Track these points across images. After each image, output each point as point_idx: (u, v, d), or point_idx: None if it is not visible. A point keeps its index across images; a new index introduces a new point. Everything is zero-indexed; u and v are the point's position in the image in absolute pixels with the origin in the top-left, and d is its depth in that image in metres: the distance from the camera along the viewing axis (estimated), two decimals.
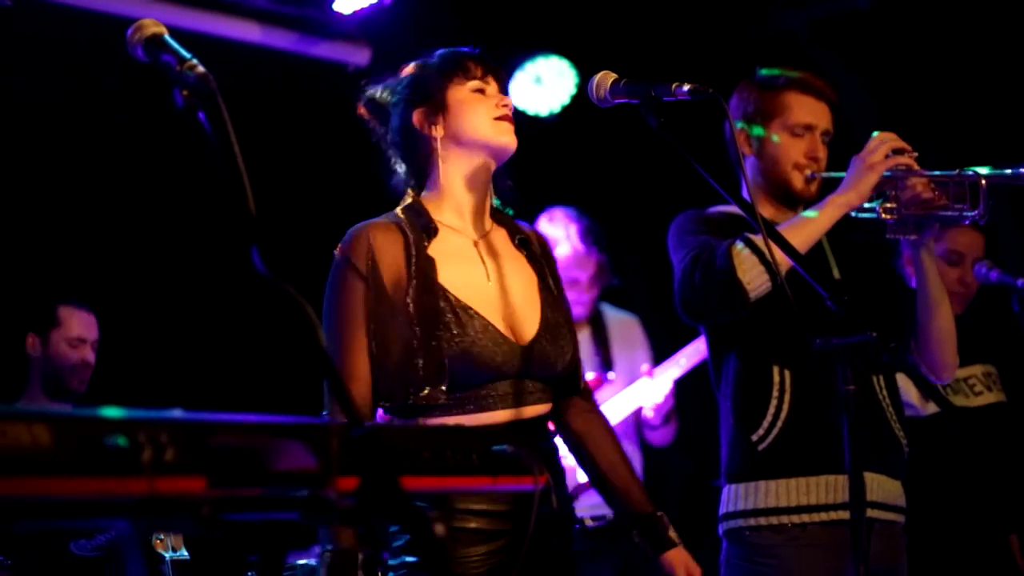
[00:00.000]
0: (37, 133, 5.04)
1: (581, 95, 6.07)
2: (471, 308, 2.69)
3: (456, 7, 5.59)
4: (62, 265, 5.04)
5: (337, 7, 5.50)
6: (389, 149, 2.93)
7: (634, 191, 6.19)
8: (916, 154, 3.21)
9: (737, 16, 6.00)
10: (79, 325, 4.63)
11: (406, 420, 2.67)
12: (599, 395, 4.94)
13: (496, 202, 2.93)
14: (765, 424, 3.26)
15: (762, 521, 3.26)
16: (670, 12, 5.94)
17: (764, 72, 3.55)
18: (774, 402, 3.26)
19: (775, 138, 3.46)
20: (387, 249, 2.71)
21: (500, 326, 2.71)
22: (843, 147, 3.46)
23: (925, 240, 3.28)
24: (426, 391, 2.62)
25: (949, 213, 3.19)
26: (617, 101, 2.69)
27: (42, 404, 4.52)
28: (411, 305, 2.66)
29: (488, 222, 2.87)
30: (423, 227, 2.76)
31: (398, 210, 2.82)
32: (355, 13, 5.53)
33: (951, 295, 4.24)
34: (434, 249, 2.75)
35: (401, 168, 2.91)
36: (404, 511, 1.59)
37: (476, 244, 2.82)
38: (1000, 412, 4.53)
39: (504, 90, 2.86)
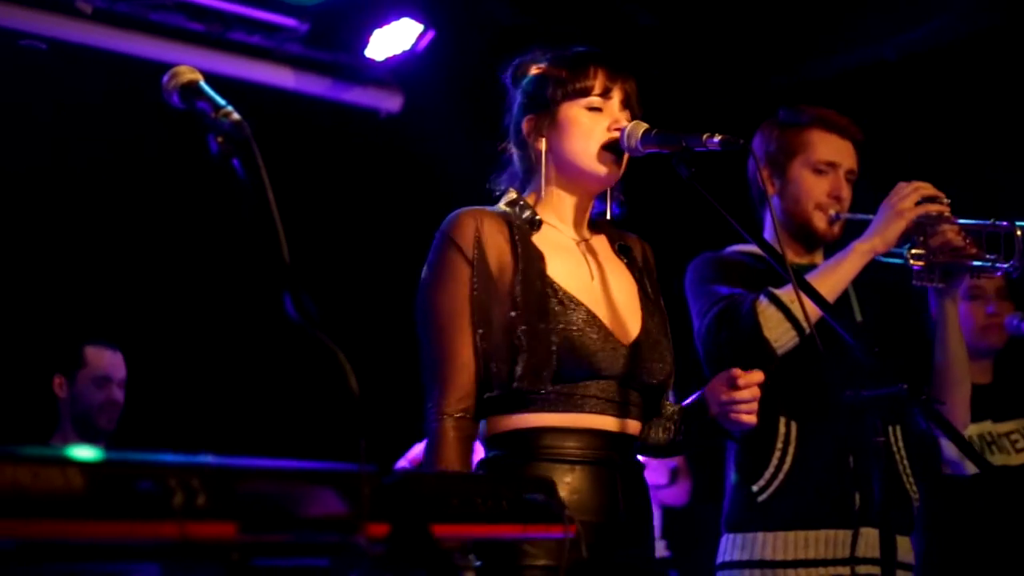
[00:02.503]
0: (67, 175, 5.09)
1: None
2: (576, 298, 2.62)
3: (487, 54, 5.61)
4: (91, 306, 5.08)
5: (370, 53, 5.54)
6: (508, 138, 2.84)
7: (658, 233, 6.17)
8: (949, 202, 3.18)
9: (761, 66, 6.00)
10: (105, 364, 4.66)
11: (506, 413, 2.58)
12: None
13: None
14: (767, 475, 3.22)
15: (757, 574, 3.21)
16: (694, 61, 5.95)
17: (786, 111, 3.50)
18: (778, 453, 3.22)
19: (797, 176, 3.39)
20: (493, 234, 2.63)
21: (606, 321, 2.64)
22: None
23: (952, 289, 3.25)
24: (528, 381, 2.53)
25: (980, 263, 3.16)
26: (648, 151, 2.65)
27: (74, 444, 4.54)
28: (518, 292, 2.58)
29: (586, 230, 2.80)
30: (528, 219, 2.70)
31: (501, 204, 2.75)
32: (387, 59, 5.57)
33: (987, 328, 4.21)
34: (538, 240, 2.68)
35: (516, 160, 2.82)
36: (434, 558, 1.59)
37: (578, 244, 2.76)
38: None
39: (627, 103, 2.73)
